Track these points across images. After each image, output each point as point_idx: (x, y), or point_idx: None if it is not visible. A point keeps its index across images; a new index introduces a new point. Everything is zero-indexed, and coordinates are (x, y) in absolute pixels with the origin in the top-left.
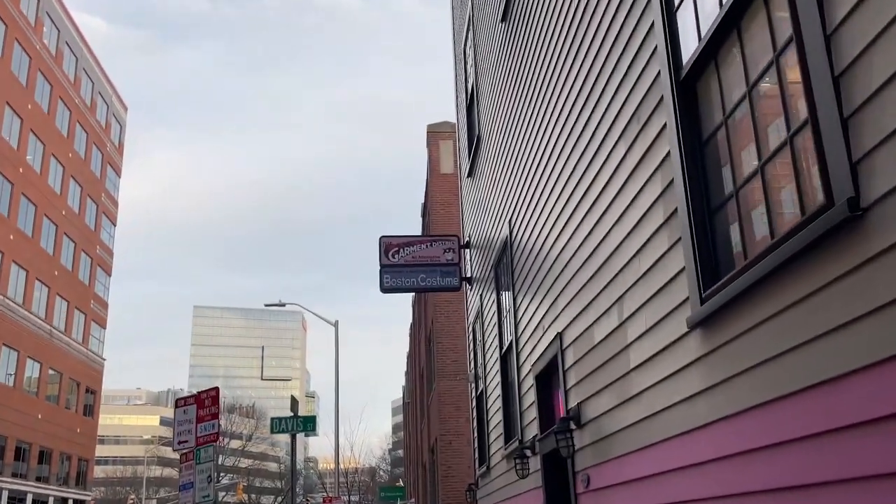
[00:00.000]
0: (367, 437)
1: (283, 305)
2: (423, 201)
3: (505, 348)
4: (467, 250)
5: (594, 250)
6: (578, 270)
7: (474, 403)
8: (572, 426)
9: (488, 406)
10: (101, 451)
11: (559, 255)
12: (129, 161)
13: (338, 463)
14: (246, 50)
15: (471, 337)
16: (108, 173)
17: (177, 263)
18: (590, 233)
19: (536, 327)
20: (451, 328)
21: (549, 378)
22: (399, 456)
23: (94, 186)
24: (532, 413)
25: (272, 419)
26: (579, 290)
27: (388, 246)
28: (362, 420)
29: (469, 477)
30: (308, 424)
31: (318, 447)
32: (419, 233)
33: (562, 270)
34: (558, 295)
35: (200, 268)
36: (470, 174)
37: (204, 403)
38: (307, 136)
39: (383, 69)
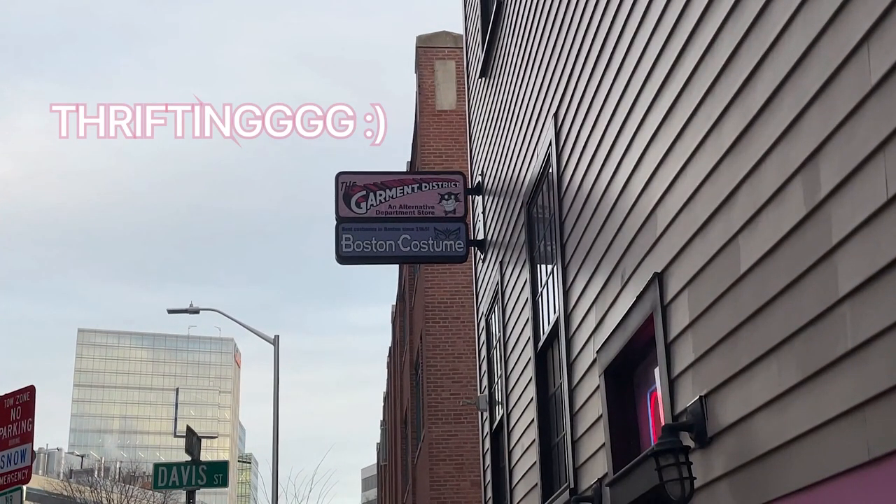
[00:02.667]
0: None
1: (197, 312)
2: (408, 159)
3: (543, 341)
4: (478, 198)
5: None
6: None
7: (488, 444)
8: (689, 441)
9: (512, 445)
10: None
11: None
12: None
13: None
14: None
15: (483, 337)
16: None
17: (53, 273)
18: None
19: (607, 283)
20: (450, 344)
21: (629, 371)
22: None
23: None
24: (596, 439)
25: (156, 466)
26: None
27: (351, 187)
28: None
29: None
30: (215, 475)
31: None
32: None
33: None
34: (651, 214)
35: (87, 279)
36: (484, 73)
37: (8, 415)
38: (237, 91)
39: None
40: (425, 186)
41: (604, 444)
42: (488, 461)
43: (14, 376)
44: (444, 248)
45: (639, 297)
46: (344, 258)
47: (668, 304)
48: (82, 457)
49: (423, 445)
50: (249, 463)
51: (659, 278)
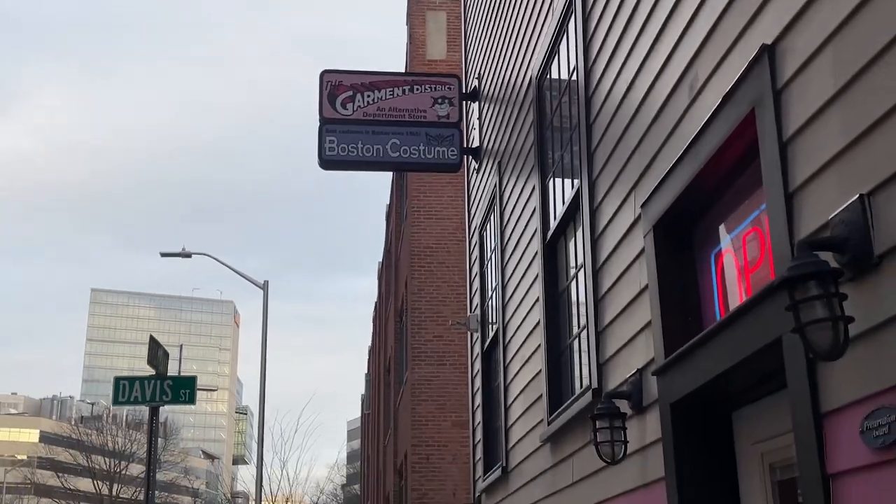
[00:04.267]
0: (314, 468)
1: (189, 256)
2: None
3: (553, 230)
4: (474, 104)
5: None
6: None
7: (478, 366)
8: (837, 264)
9: (509, 359)
10: None
11: None
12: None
13: (260, 483)
14: None
15: (476, 253)
16: None
17: (67, 238)
18: None
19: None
20: (434, 288)
21: (687, 225)
22: (355, 492)
23: None
24: (633, 322)
25: (116, 380)
26: None
27: (337, 87)
28: (306, 447)
29: None
30: (181, 391)
31: (251, 480)
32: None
33: None
34: None
35: (101, 246)
36: None
37: None
38: (236, 79)
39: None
40: (417, 89)
41: (647, 326)
42: (478, 384)
43: (32, 333)
44: (436, 156)
45: (728, 96)
46: (327, 162)
47: (787, 84)
48: (92, 404)
49: (406, 387)
50: (245, 414)
51: (769, 52)
